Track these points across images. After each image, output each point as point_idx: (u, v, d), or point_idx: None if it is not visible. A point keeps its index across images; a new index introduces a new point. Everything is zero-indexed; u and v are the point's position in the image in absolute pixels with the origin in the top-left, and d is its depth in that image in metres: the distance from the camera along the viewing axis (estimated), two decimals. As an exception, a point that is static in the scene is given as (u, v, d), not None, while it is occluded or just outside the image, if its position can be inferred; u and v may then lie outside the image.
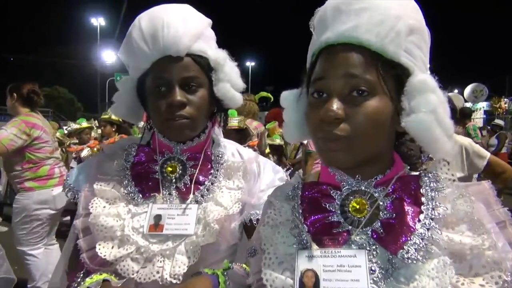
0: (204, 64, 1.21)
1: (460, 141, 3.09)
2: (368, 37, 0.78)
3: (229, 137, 5.10)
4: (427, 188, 0.82)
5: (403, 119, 0.80)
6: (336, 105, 0.78)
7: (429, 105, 0.78)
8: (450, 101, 2.98)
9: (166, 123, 1.19)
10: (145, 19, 1.19)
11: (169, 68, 1.17)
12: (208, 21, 1.28)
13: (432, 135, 0.79)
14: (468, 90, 11.57)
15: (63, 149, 7.62)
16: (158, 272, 1.08)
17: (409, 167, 0.90)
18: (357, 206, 0.83)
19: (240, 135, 4.61)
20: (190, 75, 1.18)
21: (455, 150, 3.03)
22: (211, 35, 1.28)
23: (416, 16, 0.84)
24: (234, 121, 4.53)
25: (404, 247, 0.76)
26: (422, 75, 0.81)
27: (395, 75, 0.80)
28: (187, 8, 1.26)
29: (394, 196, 0.82)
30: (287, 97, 0.96)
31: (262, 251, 0.88)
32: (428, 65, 0.87)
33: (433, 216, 0.78)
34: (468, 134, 7.47)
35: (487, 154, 3.08)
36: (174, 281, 1.07)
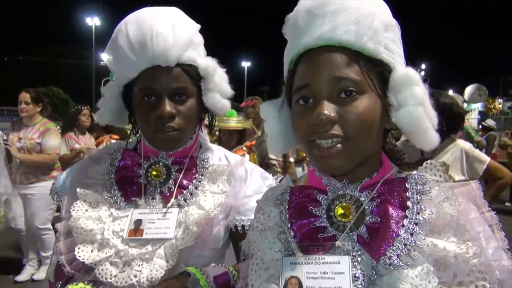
0: (193, 74, 1.19)
1: (461, 145, 3.13)
2: (347, 37, 0.78)
3: (230, 137, 5.07)
4: (413, 191, 0.81)
5: (392, 114, 0.81)
6: (326, 108, 0.76)
7: (416, 98, 0.79)
8: (455, 104, 2.94)
9: (155, 134, 1.18)
10: (132, 26, 1.15)
11: (158, 78, 1.14)
12: (197, 27, 1.26)
13: (422, 127, 0.80)
14: (470, 90, 11.58)
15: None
16: (135, 276, 1.07)
17: (398, 168, 0.90)
18: (343, 211, 0.82)
19: (240, 136, 4.60)
20: (180, 85, 1.16)
21: (456, 153, 3.06)
22: (199, 40, 1.26)
23: (387, 12, 0.84)
24: (236, 122, 4.49)
25: (386, 253, 0.75)
26: (404, 69, 0.81)
27: (378, 72, 0.80)
28: (176, 13, 1.23)
29: (379, 199, 0.81)
30: (268, 108, 0.94)
31: (251, 255, 0.88)
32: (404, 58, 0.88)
33: (417, 221, 0.77)
34: (467, 134, 7.50)
35: (487, 159, 3.11)
36: (151, 285, 1.06)
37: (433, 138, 0.82)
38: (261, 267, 0.84)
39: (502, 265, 0.76)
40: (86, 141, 5.24)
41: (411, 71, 0.81)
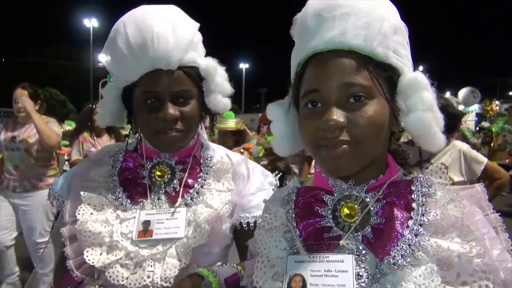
0: (194, 75, 1.19)
1: (459, 146, 3.17)
2: (357, 42, 0.78)
3: (226, 138, 5.06)
4: (418, 193, 0.82)
5: (401, 119, 0.81)
6: (336, 113, 0.76)
7: (425, 103, 0.80)
8: (449, 105, 3.00)
9: (157, 136, 1.18)
10: (131, 27, 1.13)
11: (160, 82, 1.13)
12: (196, 25, 1.25)
13: (431, 131, 0.81)
14: (464, 93, 11.73)
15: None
16: (148, 277, 1.07)
17: (403, 171, 0.90)
18: (348, 211, 0.83)
19: (237, 137, 4.63)
20: (182, 88, 1.16)
21: (454, 155, 3.09)
22: (198, 39, 1.25)
23: (396, 15, 0.84)
24: (231, 123, 4.55)
25: (391, 253, 0.76)
26: (412, 74, 0.82)
27: (387, 76, 0.80)
28: (175, 12, 1.21)
29: (385, 201, 0.82)
30: (275, 109, 0.94)
31: (256, 254, 0.89)
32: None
33: (422, 222, 0.78)
34: (463, 136, 7.54)
35: (484, 160, 3.16)
36: (165, 285, 1.07)
37: (440, 140, 0.83)
38: (266, 264, 0.85)
39: (507, 266, 0.76)
40: (104, 145, 4.38)
41: (419, 76, 0.81)
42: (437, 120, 0.82)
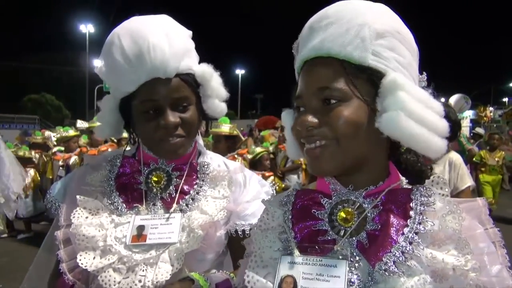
0: (191, 82, 1.22)
1: (454, 158, 3.23)
2: (332, 47, 0.81)
3: (219, 144, 5.00)
4: (417, 202, 0.82)
5: (377, 120, 0.81)
6: (309, 115, 0.82)
7: (397, 103, 0.78)
8: (451, 112, 3.00)
9: (160, 144, 1.19)
10: (126, 39, 1.14)
11: (158, 90, 1.15)
12: (189, 33, 1.28)
13: (405, 132, 0.77)
14: (456, 100, 11.84)
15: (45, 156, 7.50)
16: (140, 281, 1.07)
17: (407, 181, 0.90)
18: (345, 216, 0.84)
19: (230, 142, 4.64)
20: (181, 95, 1.18)
21: (449, 166, 3.13)
22: (192, 46, 1.27)
23: (384, 21, 0.84)
24: (225, 127, 4.56)
25: (383, 259, 0.76)
26: (392, 74, 0.80)
27: (368, 78, 0.81)
28: (167, 22, 1.23)
29: (382, 208, 0.83)
30: (286, 116, 0.98)
31: (250, 253, 0.90)
32: (414, 66, 0.87)
33: (417, 231, 0.78)
34: (459, 142, 7.56)
35: (468, 182, 3.20)
36: None
37: (435, 146, 0.79)
38: (259, 264, 0.86)
39: (504, 282, 0.76)
40: None
41: (397, 76, 0.80)
42: (421, 121, 0.78)
